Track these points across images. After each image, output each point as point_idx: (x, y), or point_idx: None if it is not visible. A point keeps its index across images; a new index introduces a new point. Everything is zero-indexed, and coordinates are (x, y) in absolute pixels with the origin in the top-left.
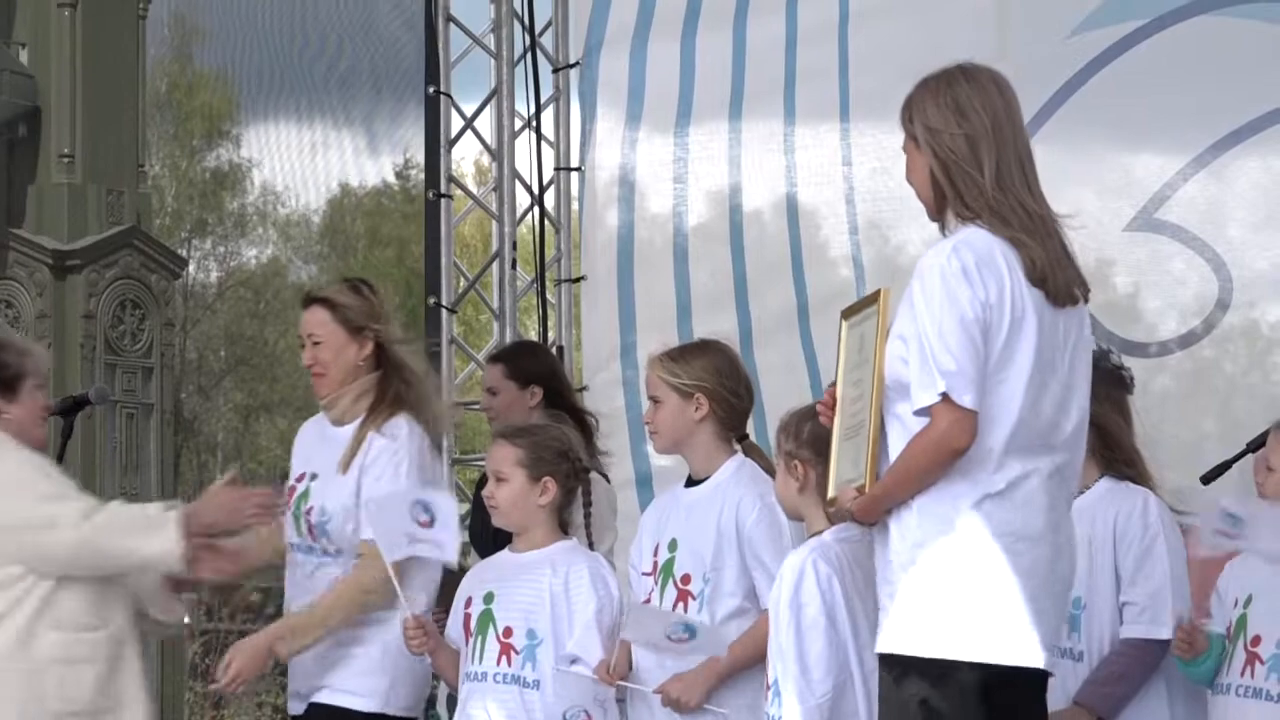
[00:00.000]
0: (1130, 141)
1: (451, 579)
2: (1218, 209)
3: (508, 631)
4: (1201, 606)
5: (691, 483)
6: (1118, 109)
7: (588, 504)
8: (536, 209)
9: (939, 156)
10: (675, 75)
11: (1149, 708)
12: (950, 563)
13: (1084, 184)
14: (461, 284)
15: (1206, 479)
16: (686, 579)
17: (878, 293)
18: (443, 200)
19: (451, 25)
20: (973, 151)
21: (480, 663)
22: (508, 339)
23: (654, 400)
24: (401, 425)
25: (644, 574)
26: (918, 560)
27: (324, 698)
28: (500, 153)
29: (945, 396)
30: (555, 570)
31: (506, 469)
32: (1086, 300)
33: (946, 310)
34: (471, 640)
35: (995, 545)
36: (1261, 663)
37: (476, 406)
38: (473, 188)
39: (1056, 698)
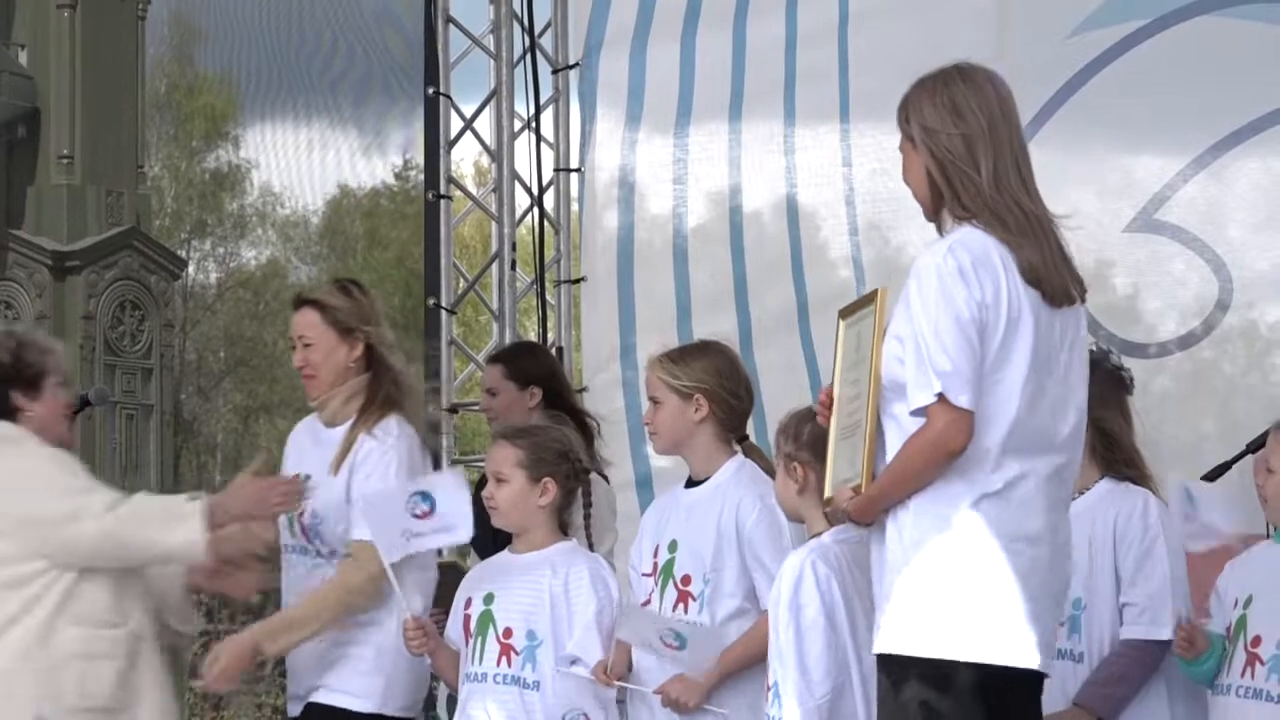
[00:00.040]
0: (1130, 142)
1: (451, 579)
2: (1218, 210)
3: (508, 632)
4: (1200, 606)
5: (691, 484)
6: (1118, 109)
7: (588, 505)
8: (536, 210)
9: (936, 156)
10: (675, 76)
11: (1149, 709)
12: (947, 563)
13: (1084, 184)
14: (461, 285)
15: (1207, 480)
16: (686, 580)
17: (875, 292)
18: (442, 201)
19: (451, 26)
20: (969, 151)
21: (480, 664)
22: (507, 340)
23: (654, 401)
24: (392, 426)
25: (644, 575)
26: (914, 560)
27: (320, 698)
28: (500, 154)
29: (941, 397)
30: (555, 571)
31: (506, 470)
32: (1083, 300)
33: (942, 310)
34: (471, 641)
35: (992, 545)
36: (1262, 663)
37: (476, 407)
38: (472, 189)
39: (1056, 699)
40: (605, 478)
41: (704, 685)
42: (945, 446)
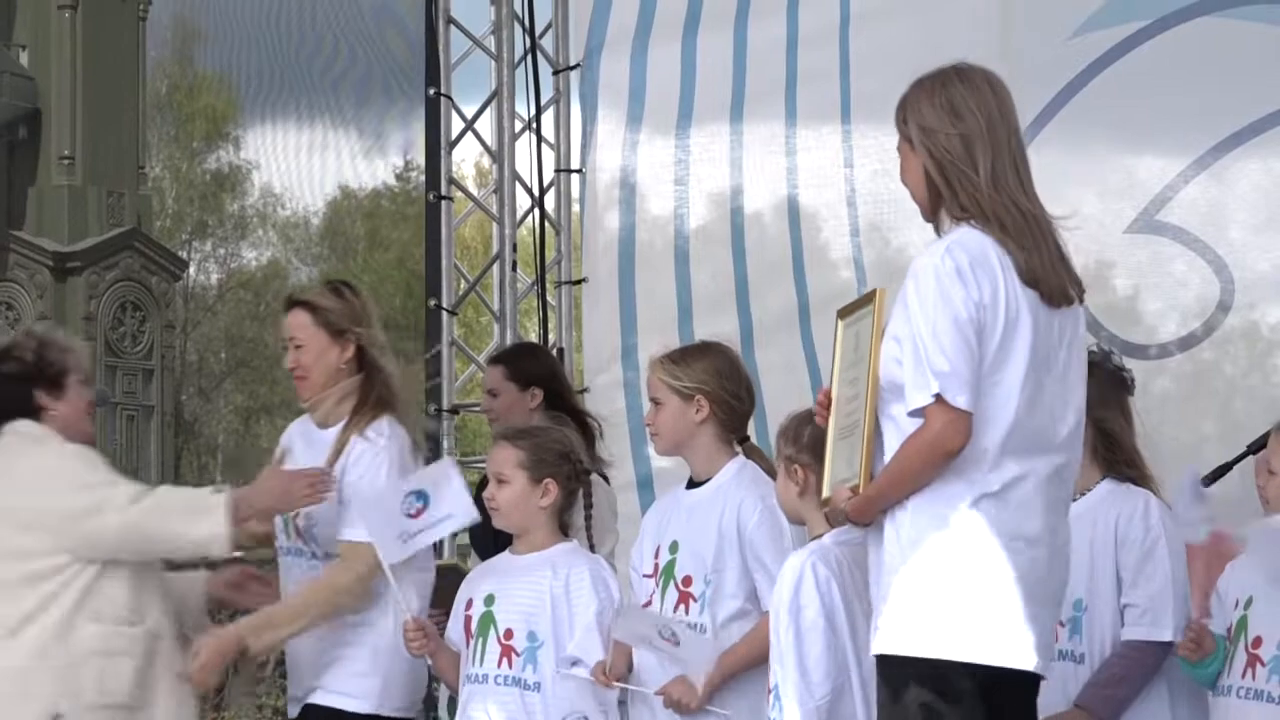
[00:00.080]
0: (1132, 143)
1: (452, 581)
2: (1219, 211)
3: (508, 633)
4: (1202, 606)
5: (692, 484)
6: (1119, 110)
7: (588, 506)
8: (537, 211)
9: (934, 156)
10: (676, 77)
11: (1150, 710)
12: (945, 563)
13: (1085, 185)
14: (462, 286)
15: (1207, 481)
16: (688, 581)
17: (873, 292)
18: (443, 202)
19: (452, 27)
20: (968, 151)
21: (481, 665)
22: (508, 341)
23: (655, 402)
24: (384, 428)
25: (645, 576)
26: (912, 561)
27: (317, 699)
28: (500, 154)
29: (939, 397)
30: (556, 572)
31: (508, 471)
32: (1081, 301)
33: (940, 311)
34: (472, 642)
35: (991, 546)
36: (1262, 664)
37: (477, 408)
38: (473, 190)
39: (1057, 700)
40: (606, 479)
41: (706, 686)
42: (943, 447)
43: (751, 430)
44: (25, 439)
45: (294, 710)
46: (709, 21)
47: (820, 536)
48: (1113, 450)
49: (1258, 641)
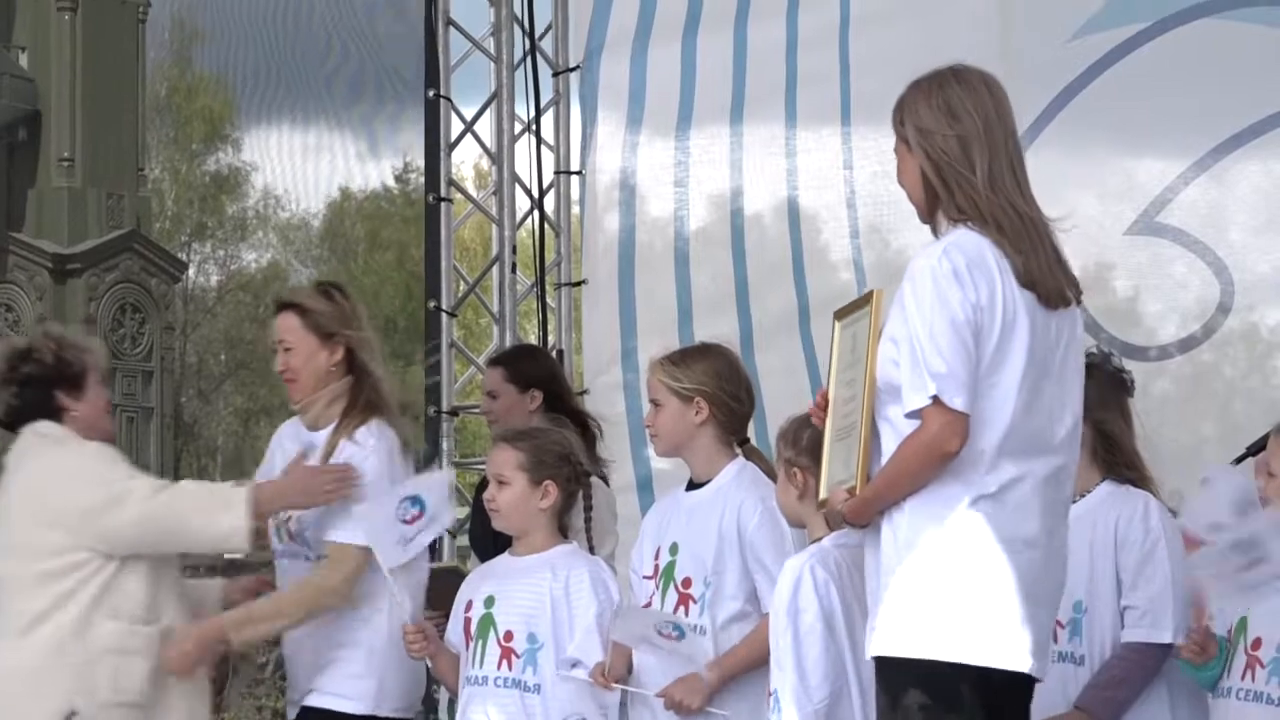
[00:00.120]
0: (1132, 145)
1: (451, 583)
2: (1219, 212)
3: (508, 635)
4: (1205, 608)
5: (692, 486)
6: (1119, 112)
7: (588, 508)
8: (536, 213)
9: (931, 158)
10: (676, 79)
11: (1150, 712)
12: (941, 564)
13: (1085, 187)
14: (461, 288)
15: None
16: (688, 582)
17: (870, 294)
18: (443, 204)
19: (451, 29)
20: (965, 153)
21: (481, 667)
22: (508, 343)
23: (654, 404)
24: (372, 431)
25: (645, 577)
26: (909, 561)
27: (314, 701)
28: (500, 156)
29: (936, 399)
30: (556, 574)
31: (507, 472)
32: (1078, 302)
33: (937, 312)
34: (472, 644)
35: (986, 547)
36: (1262, 666)
37: (477, 410)
38: (473, 191)
39: (1057, 702)
40: (606, 481)
41: (707, 687)
42: (940, 449)
43: (751, 432)
44: (45, 439)
45: (292, 713)
46: (709, 23)
47: (820, 539)
48: (1112, 452)
49: (1257, 643)
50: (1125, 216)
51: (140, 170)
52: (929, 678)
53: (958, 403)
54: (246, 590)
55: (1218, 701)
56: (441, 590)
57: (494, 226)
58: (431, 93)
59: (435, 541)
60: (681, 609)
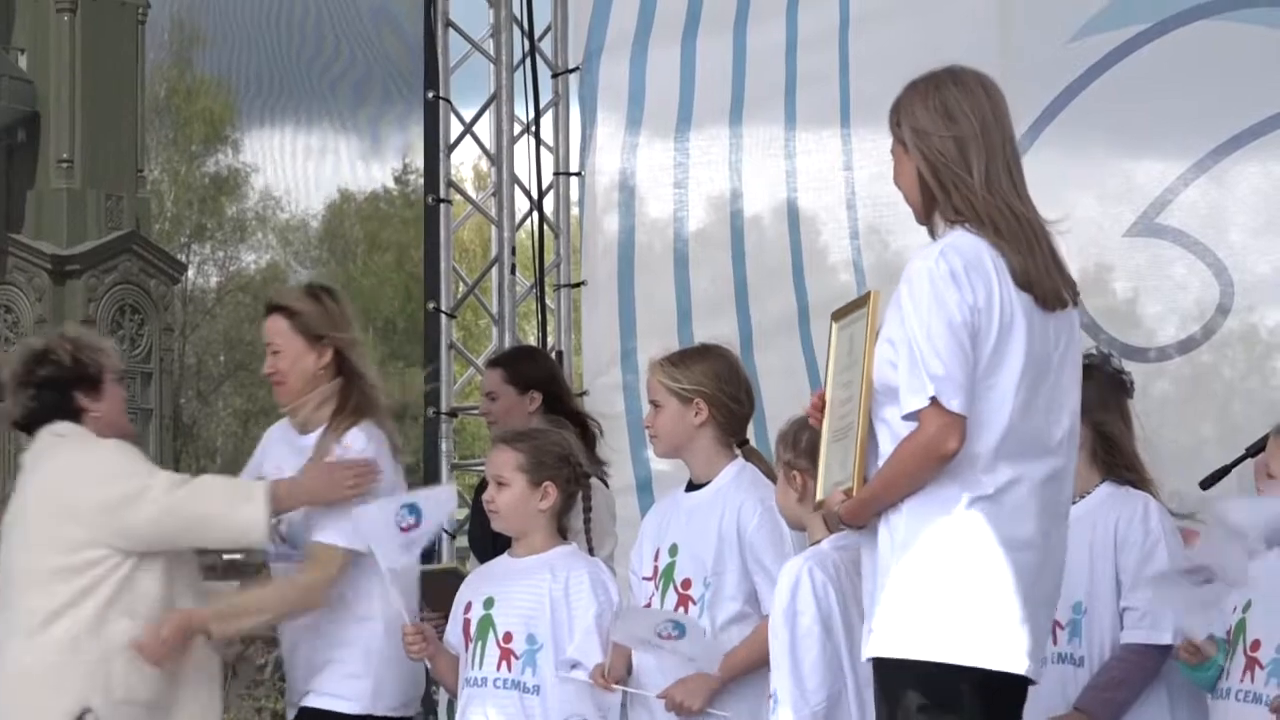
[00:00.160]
0: (1131, 146)
1: (451, 584)
2: (1219, 214)
3: (507, 637)
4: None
5: (692, 487)
6: (1119, 113)
7: (587, 509)
8: (535, 214)
9: (928, 159)
10: (675, 80)
11: (1150, 713)
12: (938, 566)
13: (1085, 188)
14: (461, 289)
15: (1205, 484)
16: (687, 584)
17: (868, 295)
18: (442, 205)
19: (450, 30)
20: (961, 154)
21: (480, 668)
22: (507, 344)
23: (654, 404)
24: (360, 435)
25: (644, 579)
26: (906, 563)
27: (310, 702)
28: (499, 158)
29: (934, 401)
30: (555, 575)
31: (507, 473)
32: (1076, 304)
33: (934, 314)
34: (471, 646)
35: (984, 549)
36: (1261, 668)
37: (476, 411)
38: (472, 193)
39: (1057, 703)
40: (605, 482)
41: (708, 688)
42: (937, 451)
43: (751, 433)
44: (63, 439)
45: (291, 714)
46: (708, 25)
47: (819, 542)
48: (1112, 453)
49: (1256, 645)
50: (1125, 218)
51: (139, 172)
52: (927, 678)
53: (955, 404)
54: None
55: (1217, 703)
56: (441, 591)
57: (493, 228)
58: (431, 94)
59: (433, 542)
60: (681, 610)
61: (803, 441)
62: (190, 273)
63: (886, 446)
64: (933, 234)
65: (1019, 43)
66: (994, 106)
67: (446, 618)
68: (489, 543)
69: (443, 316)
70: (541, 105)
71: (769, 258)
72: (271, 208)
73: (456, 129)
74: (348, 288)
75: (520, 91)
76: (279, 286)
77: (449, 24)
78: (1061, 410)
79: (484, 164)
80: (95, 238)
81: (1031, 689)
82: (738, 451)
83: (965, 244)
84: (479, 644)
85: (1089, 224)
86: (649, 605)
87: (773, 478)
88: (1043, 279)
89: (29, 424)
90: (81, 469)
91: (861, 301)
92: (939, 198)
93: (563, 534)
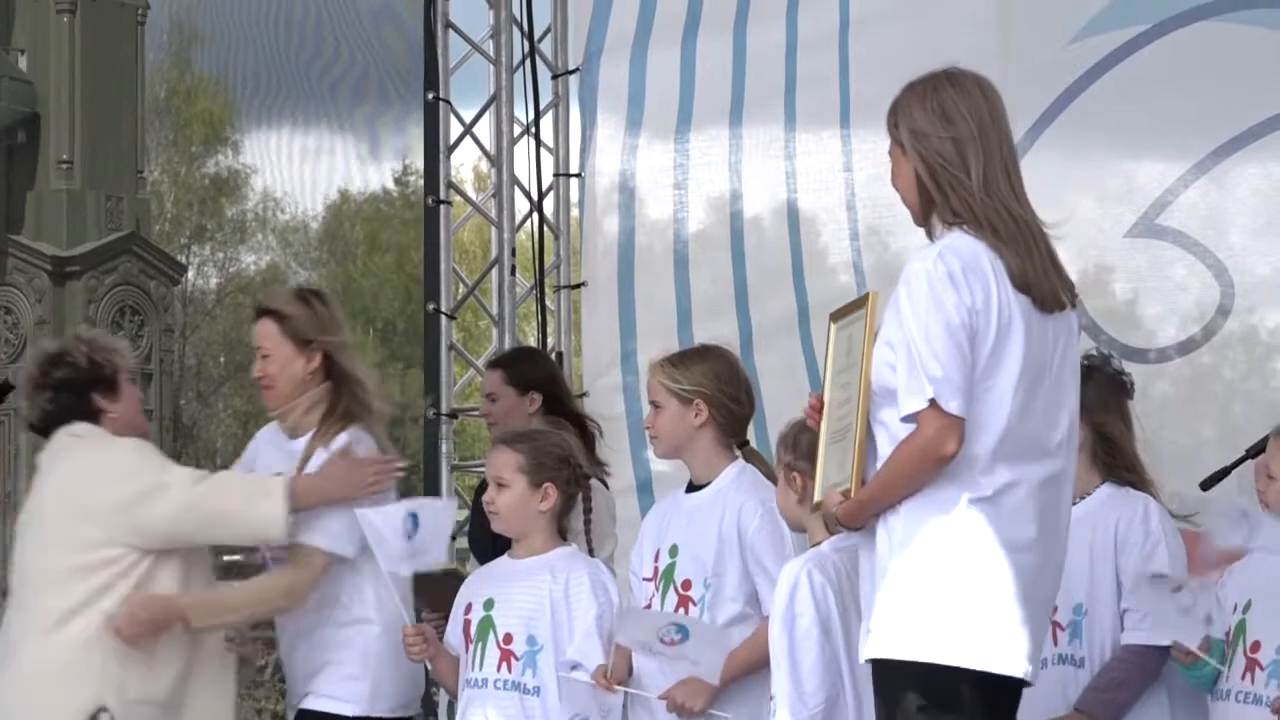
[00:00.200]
0: (1131, 147)
1: (451, 585)
2: (1219, 215)
3: (508, 638)
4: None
5: (692, 488)
6: (1119, 115)
7: (588, 510)
8: (535, 215)
9: (925, 161)
10: (675, 81)
11: (1150, 715)
12: (936, 567)
13: (1085, 190)
14: (461, 290)
15: (1205, 485)
16: (687, 584)
17: (866, 296)
18: (442, 206)
19: (450, 31)
20: (959, 156)
21: (480, 669)
22: (507, 345)
23: (654, 405)
24: (348, 440)
25: (645, 579)
26: (904, 564)
27: (309, 704)
28: (499, 159)
29: (933, 403)
30: (555, 576)
31: (507, 475)
32: (1074, 305)
33: (933, 316)
34: (471, 647)
35: (982, 551)
36: (1261, 668)
37: (476, 413)
38: (472, 194)
39: (1057, 704)
40: (605, 483)
41: (710, 689)
42: (936, 452)
43: (751, 434)
44: (79, 439)
45: (291, 716)
46: (708, 26)
47: (819, 544)
48: (1112, 454)
49: (1256, 646)
50: (1125, 219)
51: (139, 173)
52: (926, 679)
53: (954, 406)
54: None
55: (1217, 704)
56: (441, 593)
57: (493, 229)
58: (431, 95)
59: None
60: (681, 611)
61: (803, 444)
62: (190, 274)
63: (885, 448)
64: (930, 235)
65: (1019, 44)
66: (991, 108)
67: (446, 619)
68: (489, 544)
69: (443, 318)
70: (541, 106)
71: (769, 259)
72: (271, 209)
73: (456, 130)
74: (347, 289)
75: (520, 93)
76: (271, 289)
77: (449, 25)
78: (1060, 412)
79: (484, 165)
80: (95, 239)
81: (1032, 690)
82: (738, 452)
83: (963, 246)
84: (479, 645)
85: (1089, 225)
86: (649, 606)
87: (773, 479)
88: (1041, 281)
89: (46, 426)
90: (98, 468)
91: (860, 303)
92: (937, 199)
93: (563, 535)
